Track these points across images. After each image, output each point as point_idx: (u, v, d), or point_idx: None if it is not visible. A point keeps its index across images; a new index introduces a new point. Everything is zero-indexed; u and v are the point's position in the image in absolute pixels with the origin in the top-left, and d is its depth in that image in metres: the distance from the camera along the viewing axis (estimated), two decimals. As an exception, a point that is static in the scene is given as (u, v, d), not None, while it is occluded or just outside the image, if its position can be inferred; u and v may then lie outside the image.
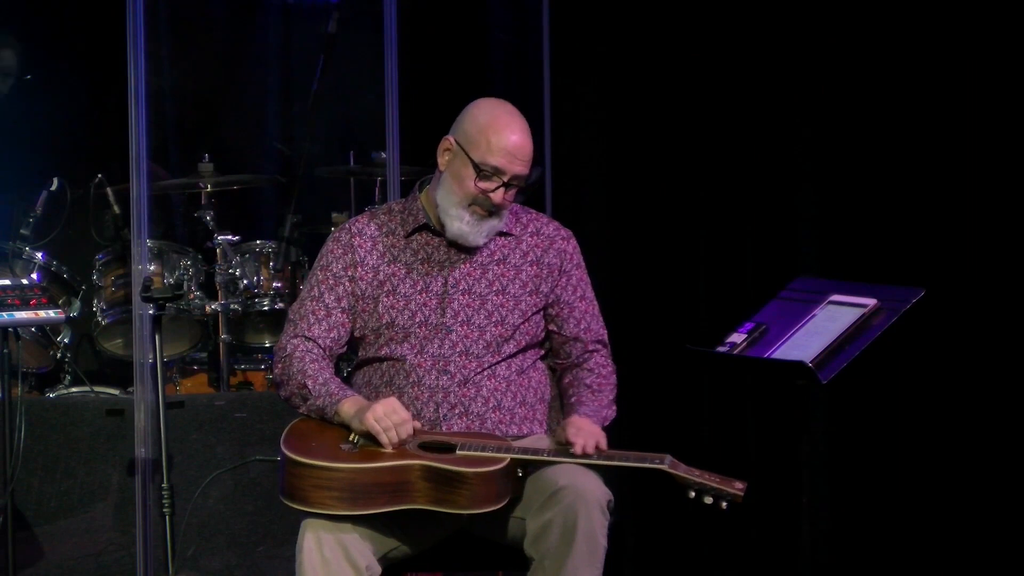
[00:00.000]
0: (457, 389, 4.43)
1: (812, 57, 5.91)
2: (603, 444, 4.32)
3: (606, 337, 4.61)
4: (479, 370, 4.44)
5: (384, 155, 6.20)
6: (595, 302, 4.60)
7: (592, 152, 6.19)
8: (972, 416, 5.72)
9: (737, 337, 4.61)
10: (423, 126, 6.55)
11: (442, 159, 4.46)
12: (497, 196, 4.39)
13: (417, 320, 4.45)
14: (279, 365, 4.46)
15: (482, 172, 4.38)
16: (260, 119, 7.43)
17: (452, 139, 4.44)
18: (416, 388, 4.43)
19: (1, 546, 5.35)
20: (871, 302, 4.51)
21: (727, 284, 6.02)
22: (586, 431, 4.32)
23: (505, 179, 4.38)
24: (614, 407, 4.56)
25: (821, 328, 4.52)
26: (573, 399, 4.53)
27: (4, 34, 7.10)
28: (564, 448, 4.31)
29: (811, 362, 4.41)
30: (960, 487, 5.73)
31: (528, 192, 6.54)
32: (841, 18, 5.88)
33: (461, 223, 4.42)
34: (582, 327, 4.56)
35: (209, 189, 6.75)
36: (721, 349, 4.61)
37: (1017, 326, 5.66)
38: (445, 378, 4.43)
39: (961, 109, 5.75)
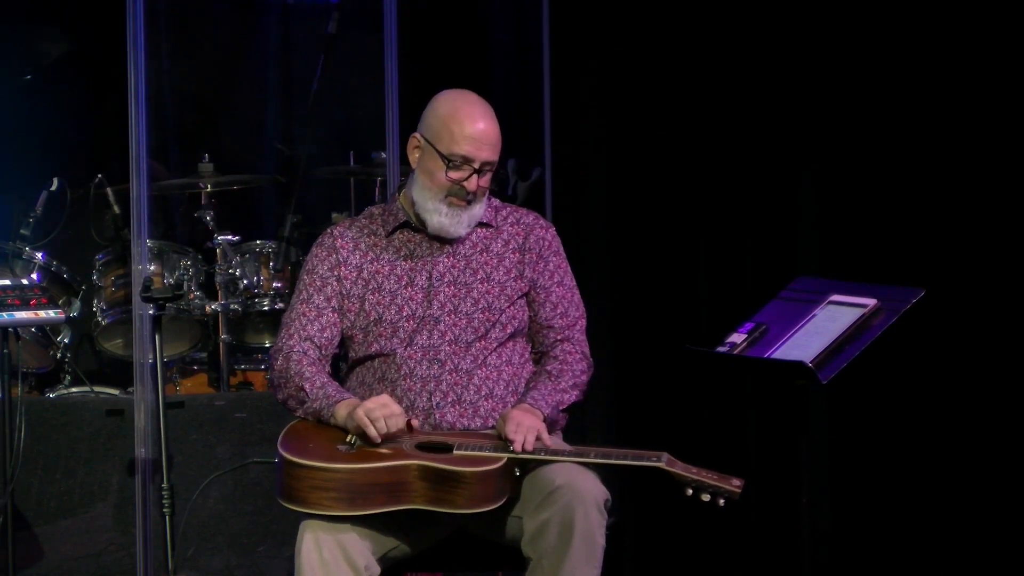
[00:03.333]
0: (449, 377, 4.44)
1: (812, 57, 5.90)
2: (544, 435, 4.30)
3: (583, 327, 4.61)
4: (469, 357, 4.45)
5: (384, 155, 6.20)
6: (574, 290, 4.62)
7: (592, 152, 6.18)
8: (972, 416, 5.71)
9: (737, 337, 4.60)
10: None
11: (412, 156, 4.49)
12: (471, 184, 4.42)
13: (404, 314, 4.47)
14: (276, 368, 4.46)
15: (451, 163, 4.41)
16: (260, 119, 7.43)
17: (418, 135, 4.48)
18: (408, 380, 4.43)
19: (1, 546, 5.34)
20: (871, 302, 4.50)
21: (727, 284, 6.01)
22: (525, 425, 4.30)
23: (475, 166, 4.41)
24: (575, 391, 4.52)
25: (821, 328, 4.51)
26: (529, 385, 4.51)
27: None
28: (500, 444, 4.29)
29: (811, 362, 4.40)
30: (960, 487, 5.72)
31: (528, 192, 6.56)
32: (841, 19, 5.87)
33: (440, 216, 4.45)
34: (558, 312, 4.57)
35: (209, 189, 6.75)
36: (721, 349, 4.60)
37: (1017, 326, 5.66)
38: (436, 367, 4.44)
39: (962, 109, 5.74)
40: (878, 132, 5.84)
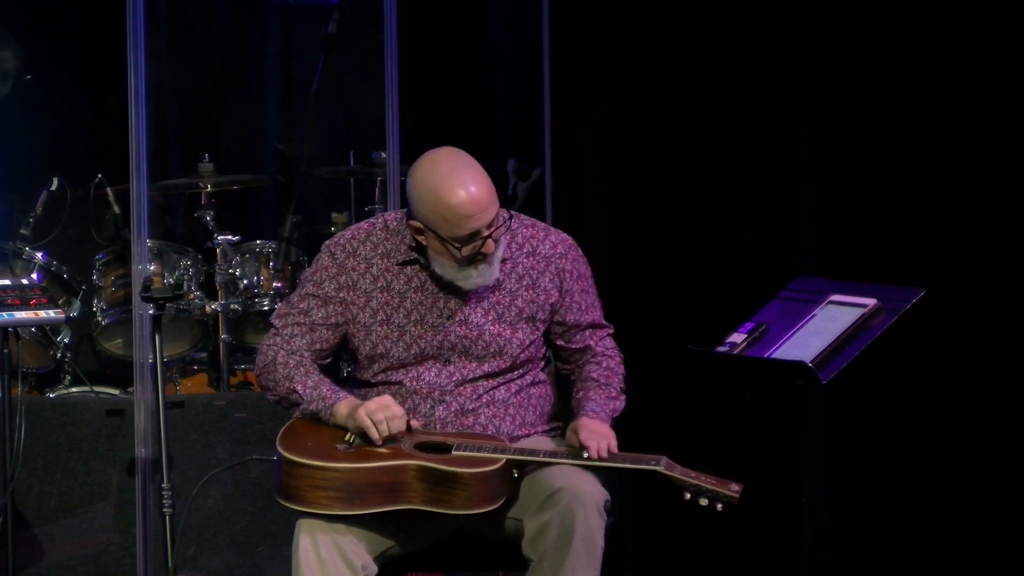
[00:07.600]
0: (454, 419, 4.41)
1: (813, 57, 5.90)
2: (614, 445, 4.30)
3: (609, 326, 4.59)
4: (475, 396, 4.42)
5: (384, 155, 6.19)
6: (596, 299, 4.57)
7: (592, 152, 6.18)
8: (972, 416, 5.71)
9: (737, 337, 4.60)
10: (423, 126, 6.55)
11: (420, 238, 4.36)
12: (488, 248, 4.31)
13: (412, 352, 4.41)
14: (262, 371, 4.44)
15: (459, 244, 4.29)
16: (260, 119, 7.42)
17: (417, 223, 4.33)
18: (411, 415, 4.38)
19: (1, 546, 5.35)
20: (871, 302, 4.51)
21: (727, 284, 6.01)
22: (598, 433, 4.31)
23: (484, 234, 4.29)
24: (623, 397, 4.56)
25: (821, 328, 4.52)
26: (580, 394, 4.51)
27: (4, 35, 7.09)
28: (573, 451, 4.30)
29: (811, 362, 4.40)
30: (960, 487, 5.72)
31: (528, 192, 6.55)
32: (842, 18, 5.87)
33: (472, 279, 4.34)
34: (587, 333, 4.55)
35: (209, 189, 6.75)
36: (721, 349, 4.60)
37: (1017, 326, 5.66)
38: (441, 408, 4.41)
39: (962, 109, 5.74)
40: (878, 132, 5.84)
